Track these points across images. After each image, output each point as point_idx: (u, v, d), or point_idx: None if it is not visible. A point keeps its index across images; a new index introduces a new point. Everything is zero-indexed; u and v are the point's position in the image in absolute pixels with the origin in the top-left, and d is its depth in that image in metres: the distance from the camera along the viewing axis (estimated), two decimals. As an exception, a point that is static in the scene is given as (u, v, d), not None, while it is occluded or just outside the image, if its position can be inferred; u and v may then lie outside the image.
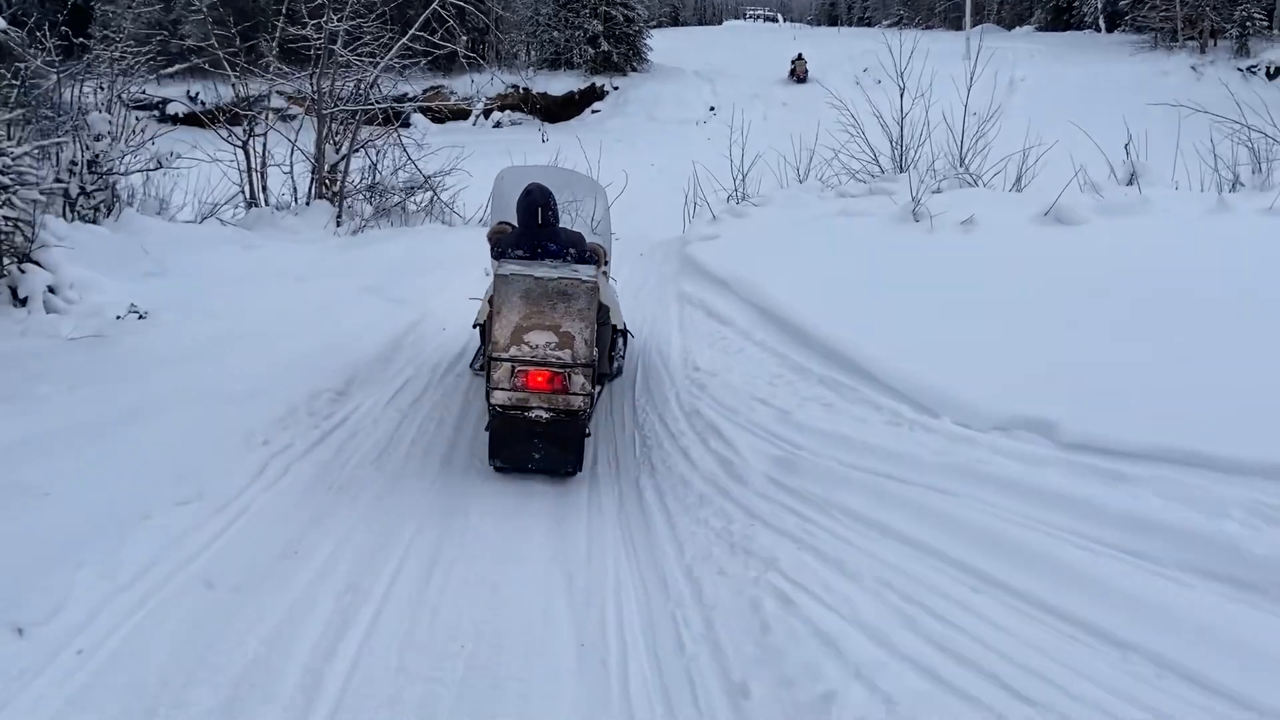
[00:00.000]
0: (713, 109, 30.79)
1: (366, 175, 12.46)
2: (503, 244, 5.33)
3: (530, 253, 5.11)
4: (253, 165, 11.36)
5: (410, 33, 11.02)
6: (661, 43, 36.98)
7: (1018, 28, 47.45)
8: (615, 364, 6.24)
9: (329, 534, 4.04)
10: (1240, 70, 28.21)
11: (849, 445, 4.68)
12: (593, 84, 32.60)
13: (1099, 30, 43.39)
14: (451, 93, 33.44)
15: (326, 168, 11.59)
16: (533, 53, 34.48)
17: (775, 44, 47.61)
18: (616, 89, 32.40)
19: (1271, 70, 27.81)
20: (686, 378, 6.07)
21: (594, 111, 31.92)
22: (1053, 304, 5.91)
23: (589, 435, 5.03)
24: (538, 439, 4.82)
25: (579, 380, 4.79)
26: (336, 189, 11.53)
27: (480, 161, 16.49)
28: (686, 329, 7.05)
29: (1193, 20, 29.49)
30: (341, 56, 11.24)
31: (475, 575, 3.81)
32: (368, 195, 12.42)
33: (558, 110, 32.47)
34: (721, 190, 12.36)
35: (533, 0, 33.89)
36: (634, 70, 33.77)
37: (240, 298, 7.11)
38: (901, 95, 12.22)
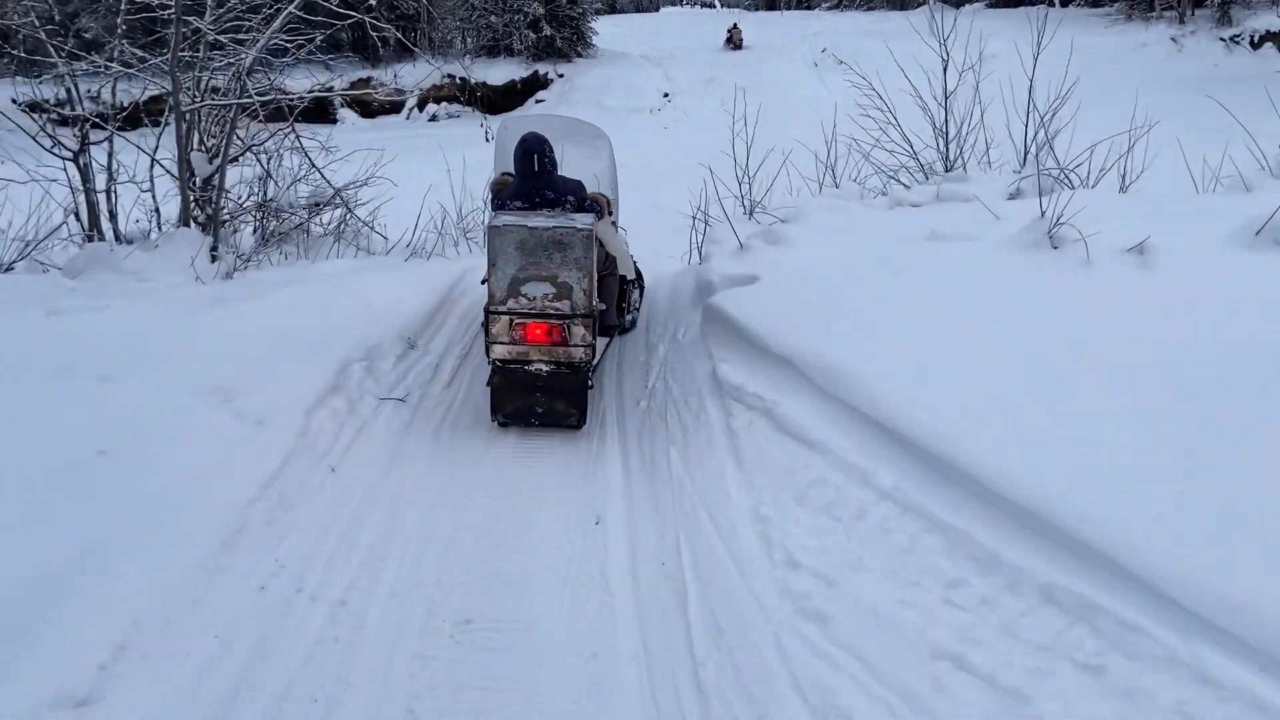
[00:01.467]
0: (667, 95, 27.73)
1: (255, 190, 9.26)
2: (503, 196, 5.15)
3: (528, 202, 4.95)
4: (91, 184, 8.12)
5: (297, 1, 7.79)
6: (603, 28, 33.81)
7: (967, 4, 45.06)
8: (628, 316, 5.99)
9: None
10: (1223, 40, 25.89)
11: None
12: (535, 71, 29.32)
13: (1052, 4, 41.15)
14: (381, 84, 29.95)
15: (198, 182, 8.38)
16: (469, 39, 31.07)
17: (719, 27, 44.85)
18: (562, 76, 29.16)
19: (1256, 39, 25.55)
20: (777, 589, 3.13)
21: (538, 101, 28.65)
22: None
23: (592, 387, 4.89)
24: (539, 392, 4.69)
25: (579, 331, 4.64)
26: (211, 211, 8.33)
27: (409, 163, 13.32)
28: (746, 459, 4.12)
29: (1171, -11, 27.13)
30: (208, 34, 7.99)
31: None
32: (257, 216, 9.23)
33: (499, 101, 29.13)
34: (711, 198, 9.41)
35: (466, -18, 30.44)
36: (579, 56, 30.54)
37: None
38: (945, 69, 9.35)
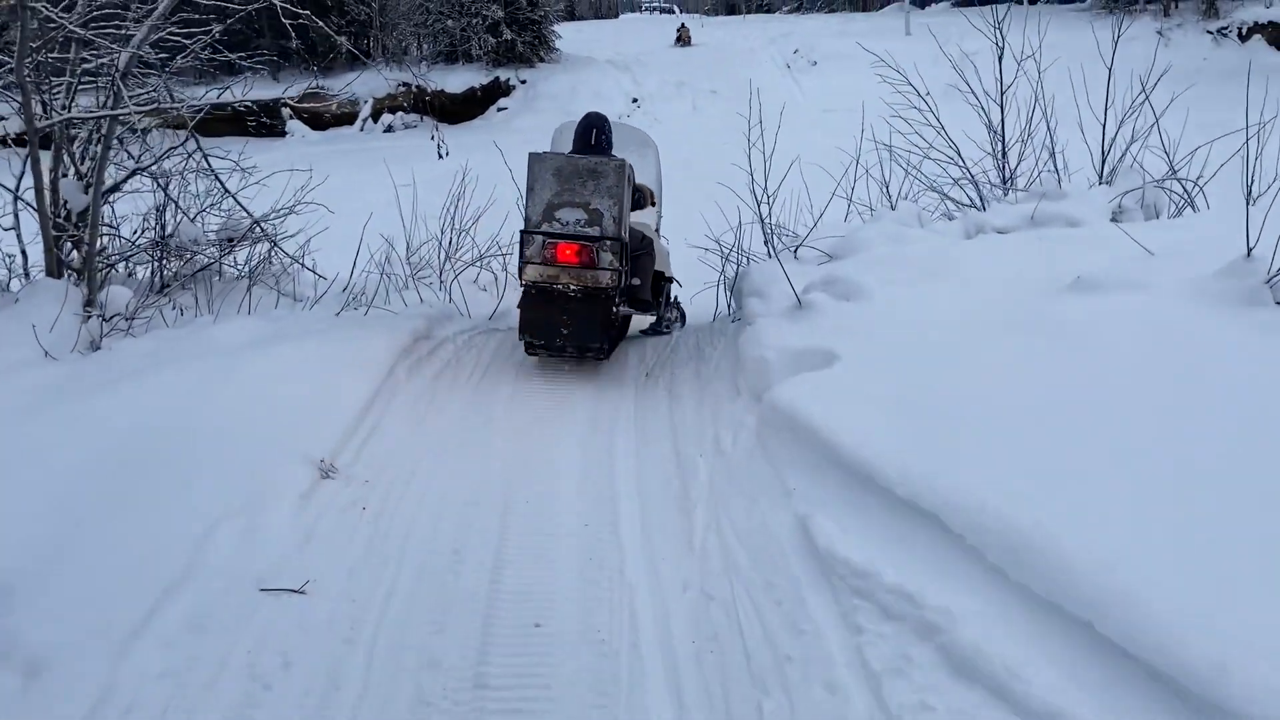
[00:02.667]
0: (635, 101, 25.85)
1: (151, 224, 7.27)
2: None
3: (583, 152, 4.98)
4: (-81, 223, 6.09)
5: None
6: (565, 33, 31.88)
7: (934, 4, 43.64)
8: (669, 315, 5.99)
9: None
10: (1210, 33, 24.56)
11: None
12: (496, 78, 27.29)
13: (1019, 2, 39.87)
14: (331, 94, 27.78)
15: (71, 216, 6.40)
16: (425, 46, 28.97)
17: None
18: (524, 83, 27.16)
19: (1244, 31, 24.22)
20: None
21: (500, 109, 26.67)
22: None
23: (617, 317, 4.96)
24: (566, 315, 4.71)
25: (607, 256, 4.68)
26: (85, 254, 6.34)
27: (356, 180, 11.38)
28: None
29: (1155, -19, 25.74)
30: (67, 27, 5.97)
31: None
32: (156, 257, 7.24)
33: (458, 109, 27.09)
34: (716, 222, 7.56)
35: (421, -14, 28.33)
36: (542, 61, 28.53)
37: None
38: (1000, 59, 7.57)
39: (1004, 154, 7.33)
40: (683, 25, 36.22)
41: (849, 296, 4.30)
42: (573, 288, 4.71)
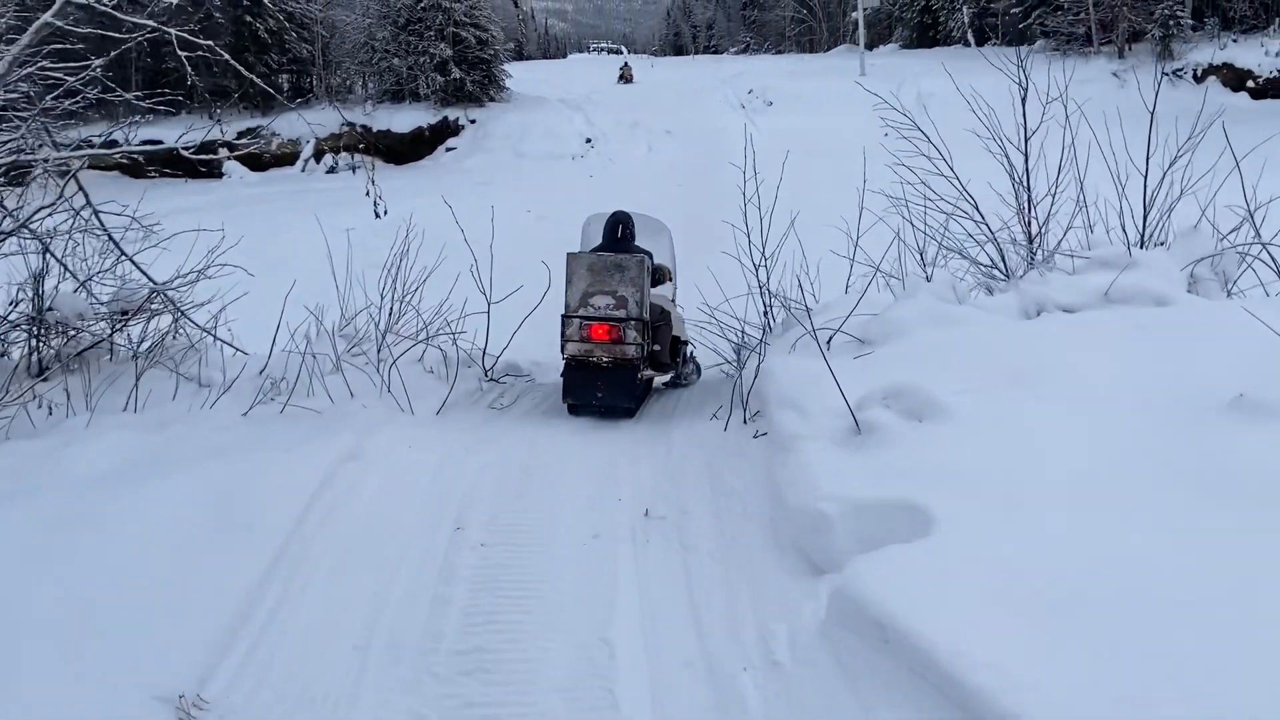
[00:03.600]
0: (589, 141, 24.89)
1: (27, 294, 6.02)
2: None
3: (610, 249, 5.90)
4: None
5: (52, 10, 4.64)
6: (514, 72, 30.91)
7: (880, 46, 43.56)
8: (686, 368, 6.69)
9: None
10: (1166, 74, 24.37)
11: None
12: (445, 117, 26.17)
13: (967, 44, 39.83)
14: (274, 134, 26.43)
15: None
16: (370, 84, 27.77)
17: (635, 70, 42.42)
18: (474, 122, 26.06)
19: (1198, 72, 24.04)
20: None
21: (449, 149, 25.54)
22: None
23: (642, 381, 5.72)
24: (601, 381, 5.45)
25: (632, 333, 5.48)
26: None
27: (279, 226, 10.16)
28: None
29: (1107, 24, 25.52)
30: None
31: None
32: (32, 335, 5.96)
33: (405, 150, 25.91)
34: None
35: (365, 24, 27.17)
36: (492, 100, 27.49)
37: None
38: (1024, 99, 6.63)
39: (1031, 208, 6.36)
40: (625, 64, 37.81)
41: (921, 415, 3.21)
42: (605, 360, 5.44)
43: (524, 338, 6.48)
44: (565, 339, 5.56)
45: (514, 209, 19.68)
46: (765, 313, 5.67)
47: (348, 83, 28.07)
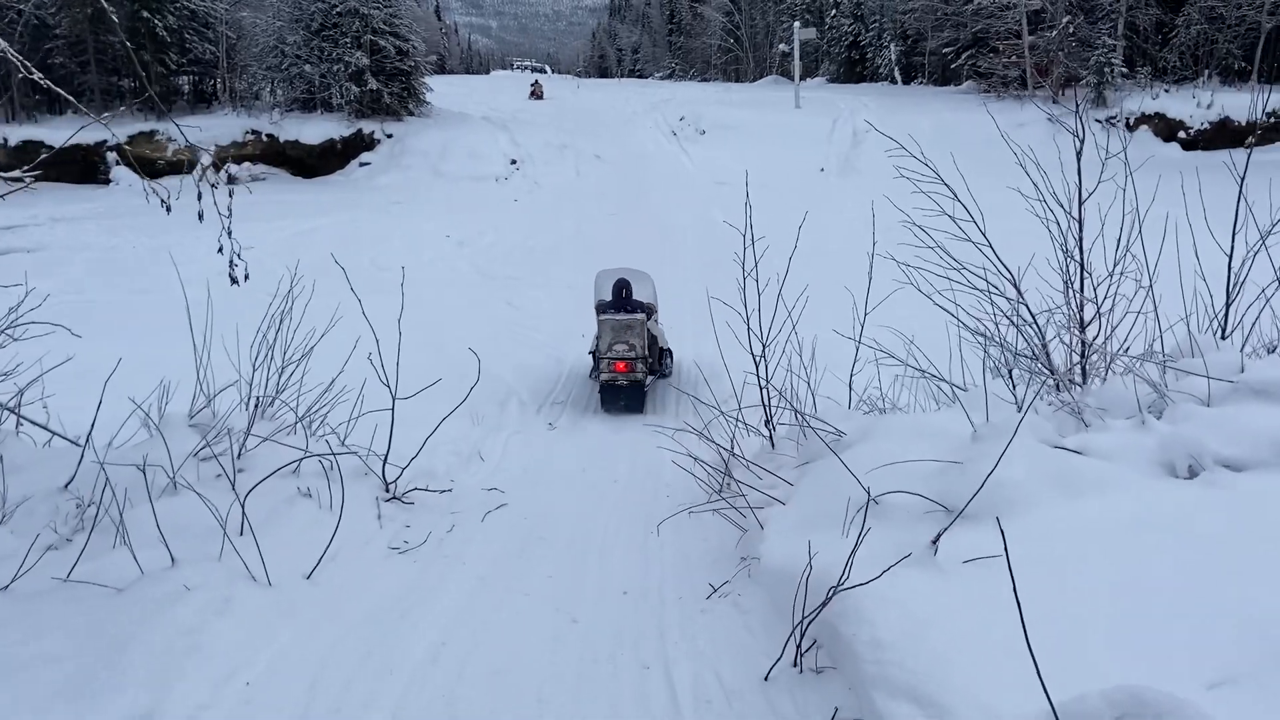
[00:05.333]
0: (514, 162, 23.25)
1: None
2: (601, 307, 8.64)
3: (618, 310, 8.43)
4: None
5: None
6: (436, 86, 29.07)
7: (808, 79, 43.02)
8: (666, 370, 9.03)
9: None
10: (1100, 121, 24.00)
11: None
12: (359, 130, 24.19)
13: (894, 82, 39.54)
14: (170, 139, 24.07)
15: None
16: (279, 91, 25.60)
17: (555, 88, 40.91)
18: (391, 136, 24.15)
19: (1131, 121, 23.71)
20: None
21: (363, 164, 23.57)
22: None
23: (646, 392, 8.31)
24: (620, 395, 8.16)
25: (639, 365, 8.13)
26: None
27: (155, 245, 8.51)
28: None
29: (1042, 69, 25.10)
30: None
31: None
32: None
33: (314, 163, 23.84)
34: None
35: (275, 26, 25.04)
36: (411, 114, 25.60)
37: None
38: (1079, 156, 5.36)
39: (1079, 290, 5.06)
40: (536, 81, 38.56)
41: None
42: (623, 382, 8.12)
43: (446, 453, 4.88)
44: (599, 373, 8.27)
45: (432, 233, 17.92)
46: (767, 421, 4.21)
47: (255, 88, 25.83)
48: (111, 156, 23.98)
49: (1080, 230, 5.08)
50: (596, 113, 31.44)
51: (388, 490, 4.44)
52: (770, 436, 4.28)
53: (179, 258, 8.57)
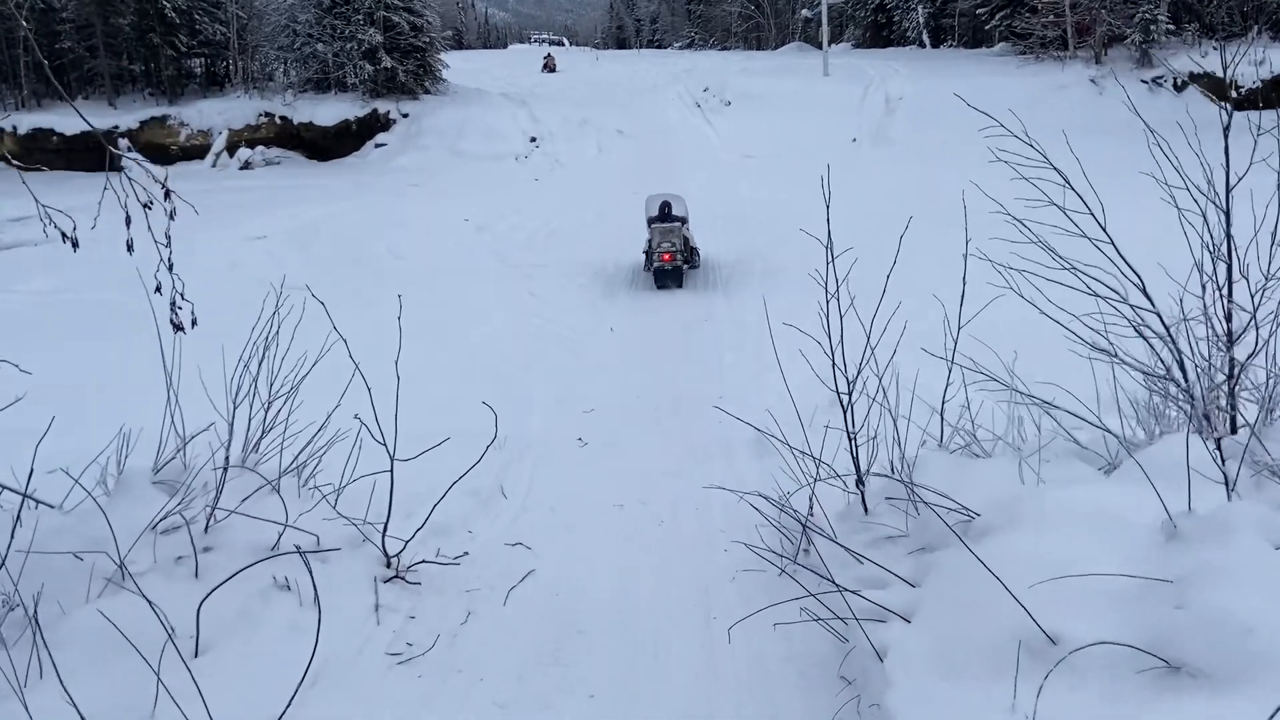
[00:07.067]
0: (534, 140, 22.28)
1: None
2: (651, 219, 11.61)
3: (663, 220, 11.37)
4: None
5: None
6: (453, 62, 28.07)
7: (831, 45, 41.52)
8: (695, 261, 11.80)
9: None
10: (1145, 82, 22.66)
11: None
12: (374, 110, 23.30)
13: (923, 46, 37.99)
14: (182, 124, 23.29)
15: None
16: (292, 71, 24.72)
17: (572, 62, 39.73)
18: (406, 116, 23.24)
19: (1179, 82, 22.34)
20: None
21: (379, 145, 22.69)
22: None
23: (684, 272, 11.32)
24: (667, 276, 11.14)
25: (679, 256, 11.06)
26: None
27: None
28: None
29: (1083, 28, 23.73)
30: None
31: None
32: None
33: (329, 145, 23.00)
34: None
35: (286, 5, 24.12)
36: (427, 92, 24.66)
37: None
38: (1225, 150, 4.40)
39: (1229, 297, 4.14)
40: (549, 55, 37.58)
41: None
42: (668, 265, 11.07)
43: (461, 494, 4.02)
44: (651, 262, 11.23)
45: (451, 217, 16.99)
46: (859, 481, 3.33)
47: (267, 69, 24.97)
48: (124, 143, 23.24)
49: (1228, 224, 4.14)
50: (617, 85, 30.30)
51: (389, 565, 3.60)
52: (862, 497, 3.40)
53: (179, 258, 7.77)
